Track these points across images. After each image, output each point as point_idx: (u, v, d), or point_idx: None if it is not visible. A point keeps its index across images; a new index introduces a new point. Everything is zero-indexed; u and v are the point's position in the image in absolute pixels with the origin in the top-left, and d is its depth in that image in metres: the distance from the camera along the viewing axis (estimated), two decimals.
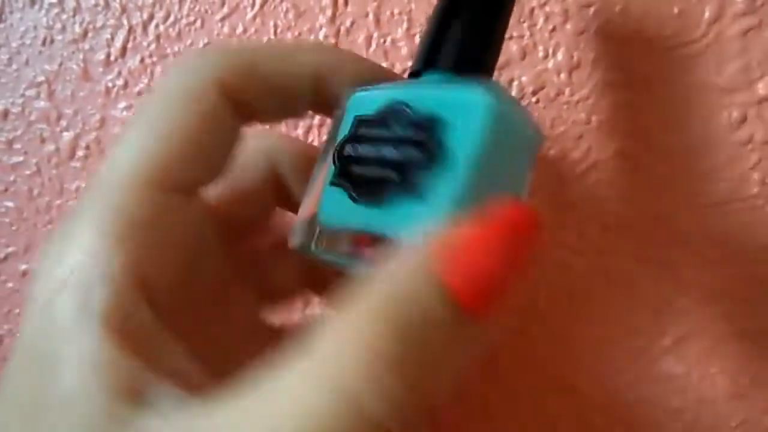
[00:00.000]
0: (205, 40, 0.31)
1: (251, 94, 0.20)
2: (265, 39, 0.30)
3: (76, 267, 0.16)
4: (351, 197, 0.18)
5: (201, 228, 0.21)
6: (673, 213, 0.25)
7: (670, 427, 0.27)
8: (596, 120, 0.26)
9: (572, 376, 0.27)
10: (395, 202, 0.17)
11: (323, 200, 0.19)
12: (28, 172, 0.36)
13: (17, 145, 0.36)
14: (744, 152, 0.24)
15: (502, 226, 0.14)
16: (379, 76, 0.21)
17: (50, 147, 0.34)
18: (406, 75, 0.22)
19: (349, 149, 0.19)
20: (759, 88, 0.24)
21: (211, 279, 0.22)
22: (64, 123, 0.34)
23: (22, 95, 0.35)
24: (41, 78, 0.34)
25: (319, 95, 0.21)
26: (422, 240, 0.15)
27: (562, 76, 0.26)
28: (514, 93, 0.27)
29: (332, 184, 0.19)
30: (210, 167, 0.20)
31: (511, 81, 0.27)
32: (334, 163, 0.19)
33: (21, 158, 0.36)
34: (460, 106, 0.17)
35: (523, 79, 0.27)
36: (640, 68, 0.25)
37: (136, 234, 0.17)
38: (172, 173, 0.18)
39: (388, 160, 0.18)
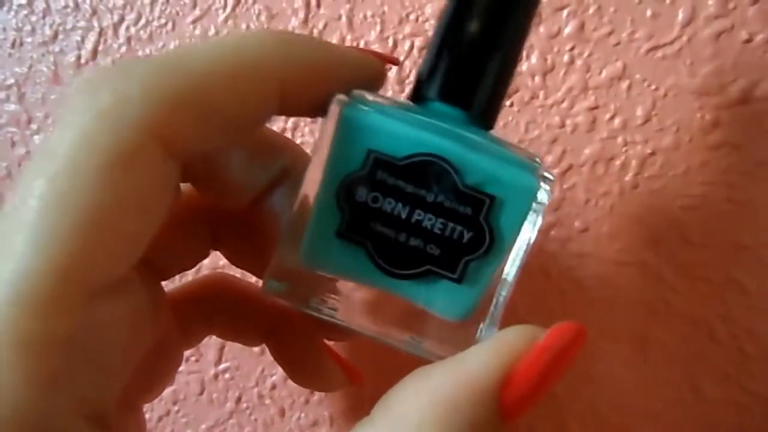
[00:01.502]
0: (177, 43, 0.31)
1: (198, 134, 0.16)
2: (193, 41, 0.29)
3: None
4: (372, 260, 0.17)
5: (139, 312, 0.17)
6: (649, 215, 0.25)
7: (645, 430, 0.26)
8: (571, 124, 0.26)
9: None
10: (429, 278, 0.17)
11: (319, 247, 0.17)
12: None
13: None
14: (717, 155, 0.24)
15: (560, 349, 0.15)
16: (356, 70, 0.19)
17: (21, 150, 0.34)
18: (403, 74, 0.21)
19: (362, 194, 0.16)
20: (732, 91, 0.24)
21: (151, 351, 0.19)
22: (34, 126, 0.33)
23: None
24: (11, 81, 0.33)
25: (286, 105, 0.17)
26: (487, 356, 0.15)
27: (536, 79, 0.26)
28: None
29: (341, 236, 0.17)
30: (143, 244, 0.15)
31: None
32: (339, 205, 0.17)
33: None
34: (512, 185, 0.16)
35: None
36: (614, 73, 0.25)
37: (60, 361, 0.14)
38: (96, 275, 0.14)
39: (426, 231, 0.16)
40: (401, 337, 0.18)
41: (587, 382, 0.26)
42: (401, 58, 0.28)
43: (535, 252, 0.27)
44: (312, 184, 0.17)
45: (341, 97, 0.17)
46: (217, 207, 0.22)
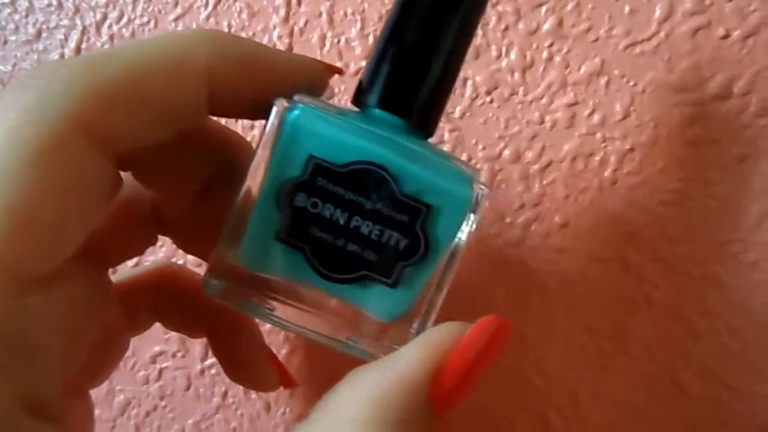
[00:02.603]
0: None
1: (127, 128, 0.16)
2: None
3: None
4: (310, 264, 0.17)
5: (80, 301, 0.17)
6: (628, 211, 0.25)
7: (627, 424, 0.27)
8: (550, 120, 0.26)
9: (530, 374, 0.27)
10: (365, 282, 0.17)
11: (258, 249, 0.17)
12: None
13: None
14: (695, 151, 0.24)
15: (484, 344, 0.16)
16: (295, 74, 0.19)
17: None
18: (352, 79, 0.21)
19: (302, 200, 0.17)
20: (710, 87, 0.24)
21: (96, 341, 0.19)
22: None
23: None
24: None
25: (218, 100, 0.17)
26: (416, 354, 0.16)
27: (516, 75, 0.26)
28: (467, 93, 0.27)
29: (280, 240, 0.17)
30: (77, 235, 0.16)
31: (465, 81, 0.27)
32: (279, 208, 0.17)
33: None
34: (448, 195, 0.17)
35: (477, 78, 0.27)
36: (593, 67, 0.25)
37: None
38: (27, 266, 0.14)
39: (364, 237, 0.17)
40: (339, 338, 0.18)
41: (568, 376, 0.27)
42: None
43: (515, 246, 0.27)
44: (252, 186, 0.17)
45: (282, 100, 0.17)
46: (159, 195, 0.22)
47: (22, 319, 0.14)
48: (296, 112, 0.17)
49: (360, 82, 0.19)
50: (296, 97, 0.17)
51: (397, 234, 0.17)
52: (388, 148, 0.17)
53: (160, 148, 0.17)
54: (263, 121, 0.17)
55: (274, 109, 0.17)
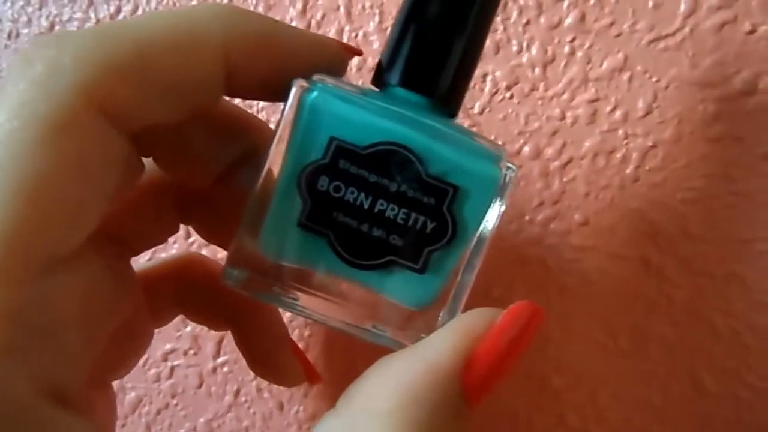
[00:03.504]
0: None
1: (139, 103, 0.15)
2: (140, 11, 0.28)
3: None
4: (334, 250, 0.16)
5: (98, 287, 0.17)
6: (650, 208, 0.25)
7: (645, 424, 0.26)
8: (571, 116, 0.26)
9: (549, 373, 0.27)
10: (391, 268, 0.16)
11: (279, 236, 0.17)
12: None
13: None
14: (719, 148, 0.24)
15: (517, 330, 0.16)
16: (313, 54, 0.18)
17: None
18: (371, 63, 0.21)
19: (324, 183, 0.16)
20: (734, 83, 0.24)
21: (117, 327, 0.19)
22: None
23: None
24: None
25: (235, 79, 0.17)
26: (447, 342, 0.16)
27: (537, 71, 0.26)
28: (487, 88, 0.26)
29: (302, 226, 0.16)
30: (94, 216, 0.15)
31: (484, 76, 0.26)
32: (300, 193, 0.16)
33: None
34: (476, 175, 0.16)
35: (497, 74, 0.26)
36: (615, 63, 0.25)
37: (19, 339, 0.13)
38: (44, 246, 0.14)
39: (389, 221, 0.16)
40: (364, 326, 0.18)
41: (587, 375, 0.26)
42: None
43: (534, 244, 0.27)
44: (272, 171, 0.16)
45: (301, 81, 0.16)
46: (183, 183, 0.21)
47: (38, 301, 0.14)
48: (315, 93, 0.16)
49: (380, 61, 0.18)
50: (315, 78, 0.17)
51: (423, 217, 0.16)
52: (413, 128, 0.16)
53: (179, 131, 0.17)
54: (276, 103, 0.17)
55: (293, 90, 0.16)
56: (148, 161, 0.19)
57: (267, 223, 0.16)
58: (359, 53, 0.20)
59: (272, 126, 0.21)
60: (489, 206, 0.16)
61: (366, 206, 0.16)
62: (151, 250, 0.29)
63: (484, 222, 0.16)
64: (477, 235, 0.16)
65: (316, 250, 0.16)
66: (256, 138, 0.20)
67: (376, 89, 0.18)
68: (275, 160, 0.16)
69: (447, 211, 0.16)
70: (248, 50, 0.16)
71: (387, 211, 0.16)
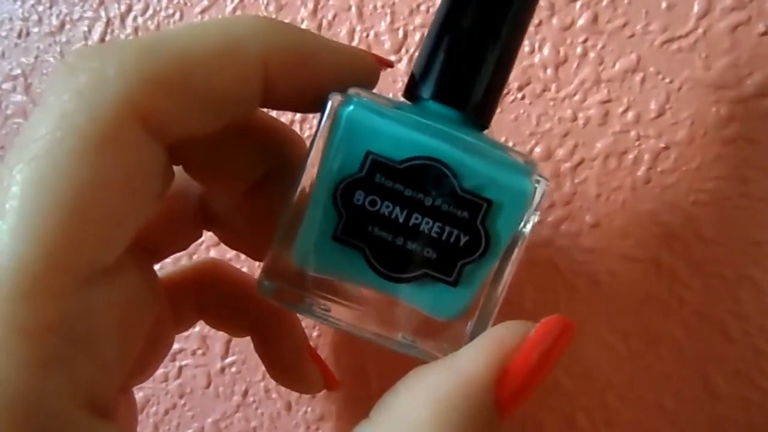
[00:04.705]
0: None
1: (179, 116, 0.15)
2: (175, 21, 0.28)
3: None
4: (369, 264, 0.17)
5: (133, 297, 0.17)
6: (662, 210, 0.25)
7: (655, 426, 0.26)
8: (583, 117, 0.25)
9: (559, 375, 0.27)
10: (424, 280, 0.17)
11: (314, 249, 0.17)
12: None
13: None
14: (731, 150, 0.24)
15: (550, 343, 0.16)
16: (348, 66, 0.18)
17: None
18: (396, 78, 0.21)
19: (360, 196, 0.16)
20: (748, 85, 0.24)
21: (148, 332, 0.19)
22: None
23: None
24: (17, 71, 0.33)
25: (272, 92, 0.17)
26: (481, 354, 0.16)
27: (549, 71, 0.26)
28: None
29: (337, 240, 0.16)
30: (133, 227, 0.15)
31: None
32: (335, 207, 0.16)
33: None
34: (509, 189, 0.16)
35: None
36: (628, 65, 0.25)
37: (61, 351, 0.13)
38: (86, 257, 0.14)
39: (424, 235, 0.16)
40: (394, 337, 0.18)
41: (597, 377, 0.26)
42: (411, 50, 0.27)
43: (544, 246, 0.26)
44: (307, 184, 0.16)
45: (337, 95, 0.16)
46: (209, 190, 0.21)
47: (82, 314, 0.14)
48: (352, 107, 0.16)
49: (412, 75, 0.18)
50: (351, 91, 0.17)
51: (457, 231, 0.16)
52: (447, 142, 0.16)
53: (211, 141, 0.17)
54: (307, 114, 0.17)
55: (329, 104, 0.16)
56: (175, 168, 0.19)
57: (301, 235, 0.17)
58: (391, 65, 0.20)
59: (304, 137, 0.21)
60: (521, 219, 0.16)
61: (401, 220, 0.16)
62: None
63: (515, 234, 0.17)
64: (507, 247, 0.17)
65: (350, 263, 0.17)
66: (289, 149, 0.20)
67: (408, 102, 0.19)
68: (310, 173, 0.16)
69: (480, 225, 0.16)
70: (286, 63, 0.17)
71: (422, 225, 0.16)
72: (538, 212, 0.17)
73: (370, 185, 0.16)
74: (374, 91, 0.18)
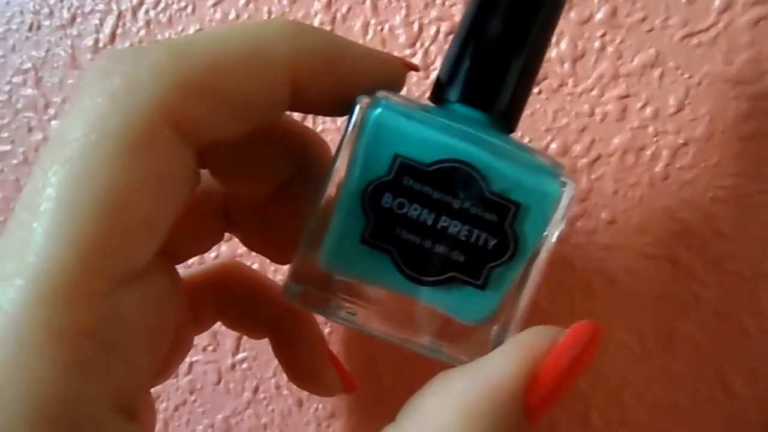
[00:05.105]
0: (197, 27, 0.30)
1: (209, 121, 0.15)
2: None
3: None
4: (397, 267, 0.16)
5: (162, 299, 0.17)
6: (679, 207, 0.25)
7: (670, 426, 0.26)
8: (600, 112, 0.25)
9: None
10: (452, 284, 0.17)
11: (341, 252, 0.17)
12: (15, 162, 0.35)
13: (4, 134, 0.35)
14: (751, 146, 0.24)
15: (580, 349, 0.16)
16: (375, 70, 0.18)
17: (38, 136, 0.34)
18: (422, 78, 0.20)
19: (388, 199, 0.16)
20: None
21: (173, 336, 0.19)
22: (51, 111, 0.33)
23: (9, 82, 0.34)
24: (28, 65, 0.33)
25: (300, 96, 0.17)
26: (510, 359, 0.16)
27: (566, 66, 0.25)
28: None
29: (365, 242, 0.16)
30: (164, 230, 0.15)
31: None
32: (363, 210, 0.16)
33: (8, 147, 0.35)
34: (537, 192, 0.16)
35: None
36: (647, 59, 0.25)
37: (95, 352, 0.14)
38: (120, 260, 0.14)
39: (452, 238, 0.16)
40: (420, 341, 0.18)
41: (612, 376, 0.26)
42: (426, 43, 0.27)
43: (560, 243, 0.26)
44: (334, 187, 0.16)
45: (365, 98, 0.16)
46: (233, 193, 0.21)
47: (115, 317, 0.14)
48: (379, 110, 0.16)
49: (438, 77, 0.18)
50: (379, 94, 0.17)
51: (485, 234, 0.16)
52: (475, 145, 0.16)
53: (236, 144, 0.17)
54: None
55: (357, 107, 0.16)
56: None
57: (329, 238, 0.17)
58: (417, 69, 0.20)
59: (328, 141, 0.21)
60: (548, 222, 0.16)
61: (429, 223, 0.16)
62: None
63: (543, 238, 0.16)
64: (535, 251, 0.17)
65: (378, 266, 0.16)
66: (314, 153, 0.20)
67: (434, 105, 0.19)
68: (338, 176, 0.16)
69: (509, 228, 0.16)
70: (315, 68, 0.17)
71: (450, 228, 0.16)
72: (566, 216, 0.17)
73: (398, 188, 0.16)
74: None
